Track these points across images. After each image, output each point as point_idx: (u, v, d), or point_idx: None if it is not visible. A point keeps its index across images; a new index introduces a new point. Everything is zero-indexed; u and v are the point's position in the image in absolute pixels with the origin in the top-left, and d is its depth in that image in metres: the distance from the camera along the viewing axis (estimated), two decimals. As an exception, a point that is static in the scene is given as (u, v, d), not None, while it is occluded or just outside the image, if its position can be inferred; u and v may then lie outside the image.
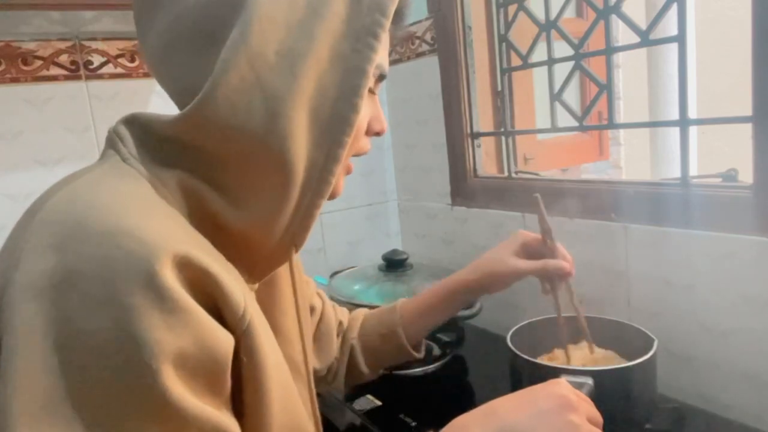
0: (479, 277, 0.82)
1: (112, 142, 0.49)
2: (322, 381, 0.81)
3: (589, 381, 0.70)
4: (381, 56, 0.52)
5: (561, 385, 0.55)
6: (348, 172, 0.57)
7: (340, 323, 0.84)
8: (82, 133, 1.12)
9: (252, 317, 0.44)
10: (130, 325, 0.36)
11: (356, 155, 0.57)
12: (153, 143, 0.47)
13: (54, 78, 1.09)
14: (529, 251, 0.82)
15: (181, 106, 0.49)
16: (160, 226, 0.40)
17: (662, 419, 0.78)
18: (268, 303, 0.59)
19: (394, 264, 1.10)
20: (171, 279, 0.38)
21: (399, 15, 0.55)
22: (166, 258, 0.38)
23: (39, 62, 1.07)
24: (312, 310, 0.80)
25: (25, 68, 1.06)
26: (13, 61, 1.05)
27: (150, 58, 0.51)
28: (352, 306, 1.01)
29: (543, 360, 0.83)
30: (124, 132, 0.48)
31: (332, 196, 0.54)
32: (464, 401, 0.94)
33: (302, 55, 0.46)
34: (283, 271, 0.61)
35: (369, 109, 0.55)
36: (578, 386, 0.70)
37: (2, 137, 1.05)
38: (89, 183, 0.44)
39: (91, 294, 0.37)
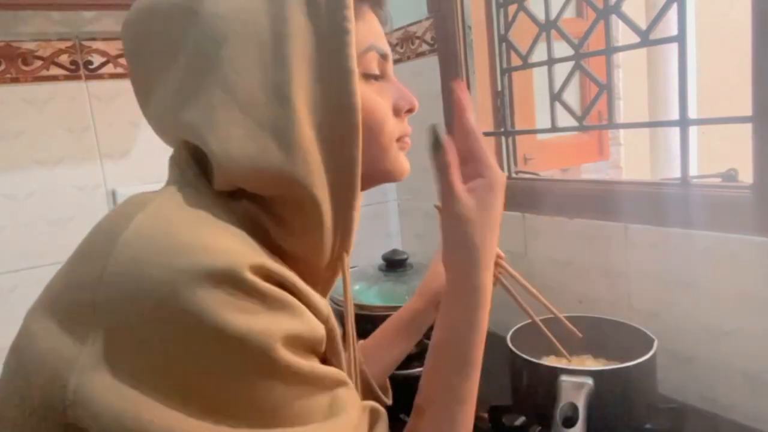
0: (427, 299, 0.80)
1: (179, 162, 0.51)
2: None
3: (589, 381, 0.70)
4: (369, 40, 0.52)
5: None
6: (404, 148, 0.58)
7: None
8: (82, 133, 1.12)
9: (334, 325, 0.48)
10: (234, 325, 0.40)
11: (401, 138, 0.57)
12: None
13: (54, 78, 1.09)
14: None
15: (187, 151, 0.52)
16: (237, 243, 0.44)
17: (662, 419, 0.78)
18: None
19: (394, 264, 1.10)
20: (258, 281, 0.41)
21: None
22: (244, 266, 0.41)
23: (39, 62, 1.07)
24: None
25: (25, 68, 1.06)
26: (13, 61, 1.05)
27: (155, 118, 0.53)
28: (353, 306, 1.01)
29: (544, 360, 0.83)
30: (189, 157, 0.51)
31: (400, 176, 0.57)
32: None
33: (286, 82, 0.46)
34: None
35: (386, 94, 0.55)
36: (578, 386, 0.70)
37: (2, 137, 1.05)
38: (169, 203, 0.47)
39: (191, 305, 0.39)
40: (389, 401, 0.79)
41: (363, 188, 0.56)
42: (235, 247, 0.42)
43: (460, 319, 0.56)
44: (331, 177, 0.48)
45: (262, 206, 0.49)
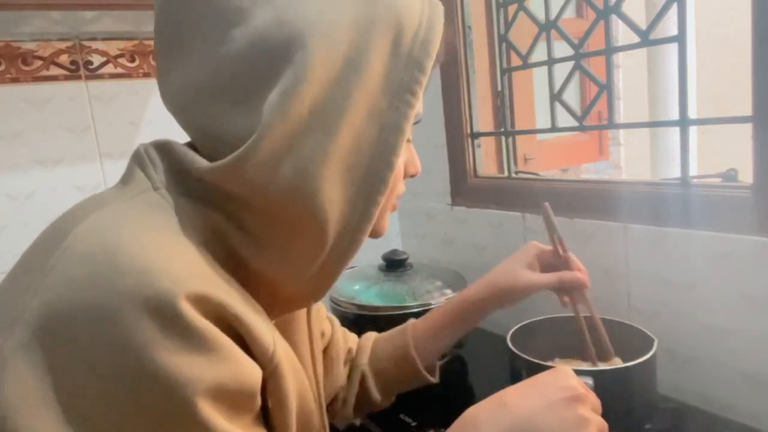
0: (493, 294, 0.79)
1: (143, 164, 0.48)
2: (328, 411, 0.76)
3: (589, 381, 0.70)
4: (421, 109, 0.52)
5: (568, 375, 0.54)
6: (393, 209, 0.58)
7: (349, 350, 0.81)
8: (82, 133, 1.12)
9: (280, 360, 0.45)
10: (157, 364, 0.37)
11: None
12: (185, 178, 0.47)
13: (54, 78, 1.09)
14: (542, 263, 0.81)
15: (202, 148, 0.49)
16: (183, 265, 0.40)
17: (662, 419, 0.78)
18: (284, 329, 0.59)
19: (394, 264, 1.10)
20: (193, 314, 0.38)
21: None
22: (181, 295, 0.38)
23: (39, 62, 1.07)
24: (321, 335, 0.77)
25: (25, 68, 1.06)
26: (13, 61, 1.05)
27: (172, 97, 0.49)
28: (353, 306, 1.01)
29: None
30: (157, 158, 0.48)
31: (378, 234, 0.56)
32: (464, 401, 0.94)
33: (338, 112, 0.44)
34: None
35: (404, 155, 0.55)
36: (578, 386, 0.70)
37: (2, 137, 1.05)
38: (119, 213, 0.44)
39: (117, 333, 0.37)
40: (435, 380, 0.82)
41: None
42: (175, 271, 0.39)
43: None
44: (343, 219, 0.47)
45: (230, 217, 0.46)
